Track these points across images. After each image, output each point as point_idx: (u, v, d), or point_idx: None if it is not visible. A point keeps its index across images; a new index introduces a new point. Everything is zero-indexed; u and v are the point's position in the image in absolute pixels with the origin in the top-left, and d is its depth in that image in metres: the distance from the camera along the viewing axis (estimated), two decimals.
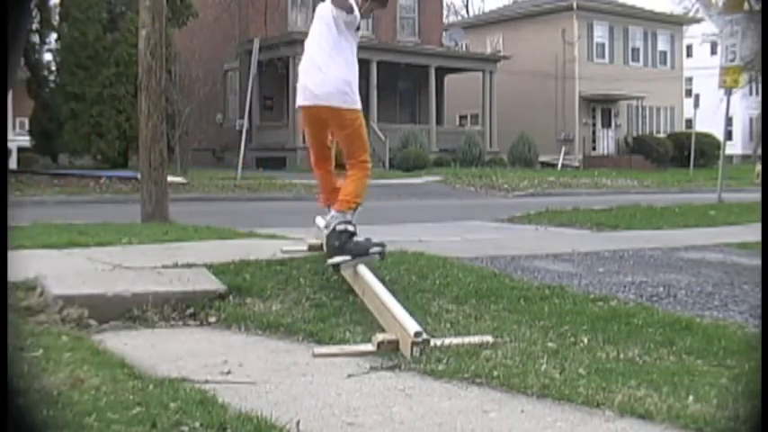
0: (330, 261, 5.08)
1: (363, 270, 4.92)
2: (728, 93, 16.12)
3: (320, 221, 6.36)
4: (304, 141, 31.80)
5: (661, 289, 5.45)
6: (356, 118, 5.23)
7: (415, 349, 3.81)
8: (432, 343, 3.88)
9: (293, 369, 3.75)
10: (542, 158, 35.59)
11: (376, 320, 4.38)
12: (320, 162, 5.60)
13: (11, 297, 4.35)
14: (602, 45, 40.58)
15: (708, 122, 36.43)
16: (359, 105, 5.23)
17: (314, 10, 5.51)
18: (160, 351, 4.03)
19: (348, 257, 4.98)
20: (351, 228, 5.09)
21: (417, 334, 3.85)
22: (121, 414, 2.85)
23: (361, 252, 5.00)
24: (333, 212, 5.17)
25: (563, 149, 37.58)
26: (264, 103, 32.16)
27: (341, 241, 5.03)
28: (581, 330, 4.24)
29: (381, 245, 5.09)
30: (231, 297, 4.88)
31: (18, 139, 27.42)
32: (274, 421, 2.88)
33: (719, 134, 25.38)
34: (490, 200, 20.04)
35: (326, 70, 5.14)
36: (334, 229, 5.07)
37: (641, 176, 29.31)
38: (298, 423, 2.91)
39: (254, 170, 27.32)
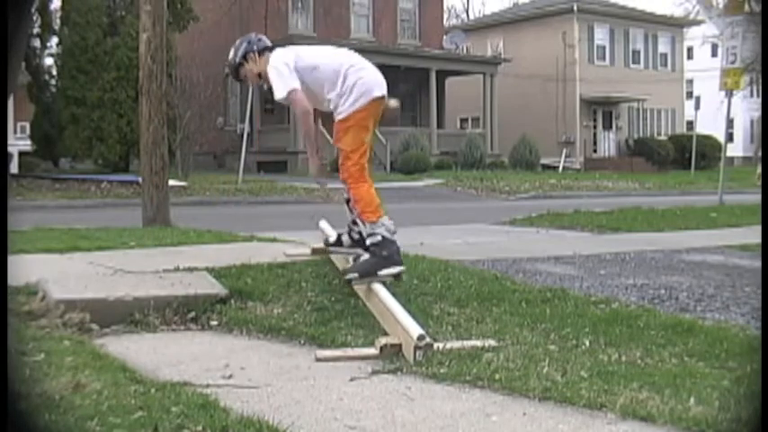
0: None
1: None
2: (729, 95, 16.13)
3: (325, 225, 6.36)
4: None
5: (663, 291, 5.45)
6: None
7: (417, 353, 3.81)
8: (434, 346, 3.88)
9: (295, 373, 3.75)
10: (543, 161, 35.57)
11: (378, 324, 4.37)
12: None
13: (12, 301, 4.35)
14: (603, 47, 40.58)
15: (709, 124, 36.45)
16: None
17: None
18: (162, 355, 4.03)
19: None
20: None
21: (420, 338, 3.85)
22: (123, 418, 2.84)
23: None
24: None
25: (564, 152, 37.57)
26: (265, 107, 32.18)
27: None
28: (583, 333, 4.23)
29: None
30: (233, 301, 4.88)
31: (19, 143, 27.49)
32: (276, 425, 2.88)
33: (720, 136, 25.41)
34: (491, 203, 20.04)
35: None
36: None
37: (642, 179, 29.30)
38: None
39: (255, 174, 27.33)
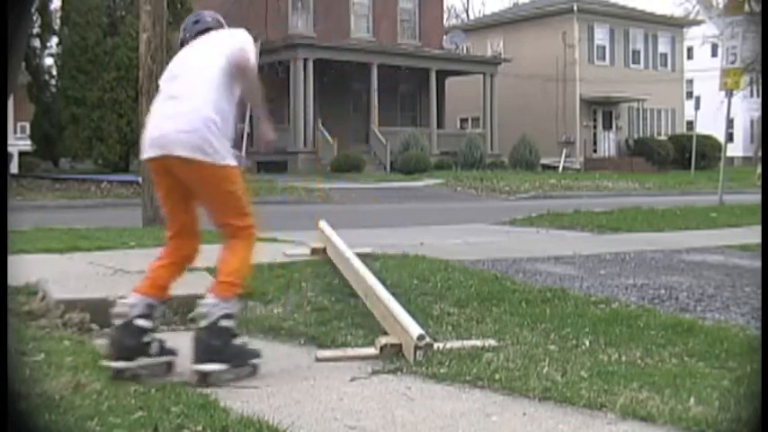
0: (201, 367, 3.59)
1: (366, 273, 4.92)
2: (729, 95, 16.14)
3: (325, 226, 6.32)
4: (305, 145, 31.94)
5: (663, 291, 5.45)
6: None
7: (418, 353, 3.81)
8: (434, 346, 3.88)
9: (295, 373, 3.75)
10: (543, 161, 35.57)
11: (378, 324, 4.37)
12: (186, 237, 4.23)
13: (12, 301, 4.35)
14: (603, 47, 40.58)
15: (709, 124, 36.44)
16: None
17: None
18: None
19: (225, 366, 3.62)
20: (234, 324, 3.82)
21: (420, 337, 3.85)
22: (123, 418, 2.85)
23: (241, 361, 3.75)
24: (212, 299, 3.78)
25: (564, 152, 37.57)
26: None
27: (222, 342, 3.67)
28: (583, 333, 4.24)
29: (257, 355, 3.83)
30: None
31: (19, 143, 27.51)
32: (276, 425, 2.88)
33: (720, 136, 25.40)
34: (491, 203, 20.04)
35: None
36: (215, 324, 3.69)
37: (642, 179, 29.30)
38: None
39: (254, 174, 27.31)
